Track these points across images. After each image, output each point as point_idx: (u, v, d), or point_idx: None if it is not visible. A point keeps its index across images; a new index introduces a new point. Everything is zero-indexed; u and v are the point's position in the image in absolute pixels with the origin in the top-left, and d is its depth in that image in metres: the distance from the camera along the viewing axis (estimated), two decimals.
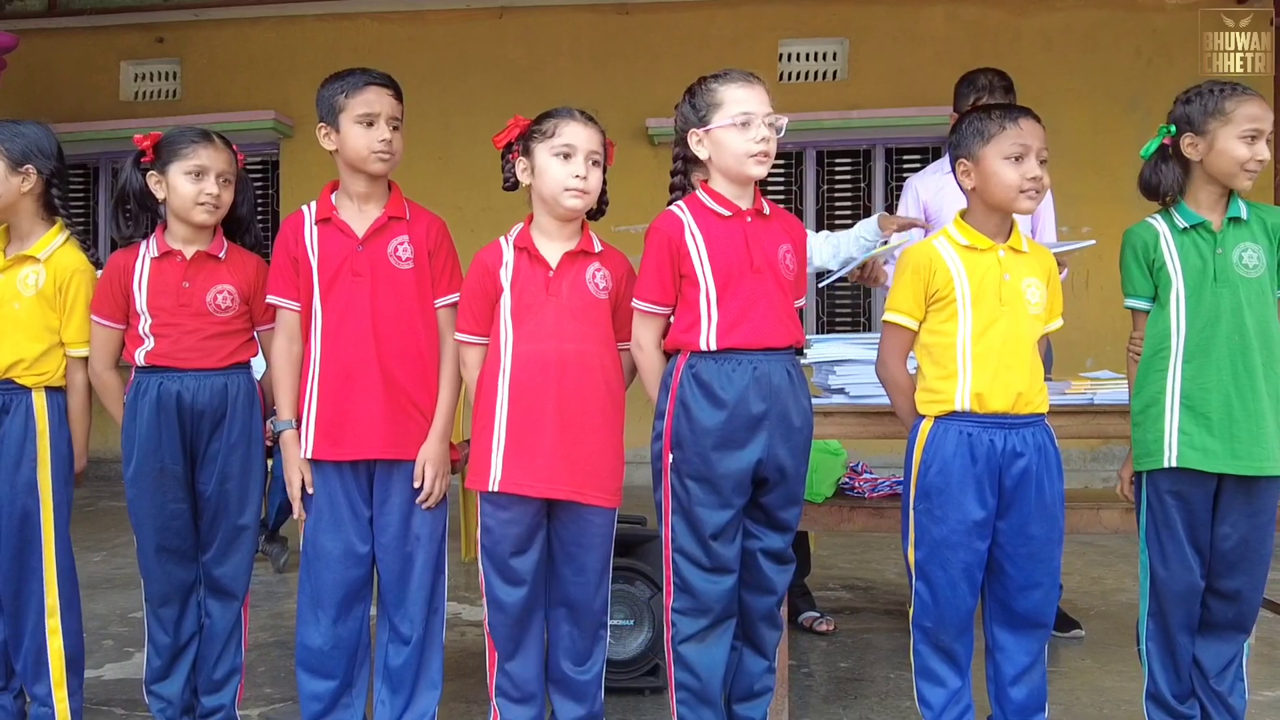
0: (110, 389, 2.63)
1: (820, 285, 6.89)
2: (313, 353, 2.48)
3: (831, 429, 2.82)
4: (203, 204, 2.52)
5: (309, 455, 2.47)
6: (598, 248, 2.45)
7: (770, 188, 7.98)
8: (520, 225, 2.46)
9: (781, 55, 7.85)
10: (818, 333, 7.41)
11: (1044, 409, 2.34)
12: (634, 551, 3.17)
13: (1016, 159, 2.29)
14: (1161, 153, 2.45)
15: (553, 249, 2.41)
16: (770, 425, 2.31)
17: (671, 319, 2.40)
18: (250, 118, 7.76)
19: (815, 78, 7.90)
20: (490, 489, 2.34)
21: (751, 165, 2.31)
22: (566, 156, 2.35)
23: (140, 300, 2.54)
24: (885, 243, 3.02)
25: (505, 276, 2.39)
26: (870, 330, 6.62)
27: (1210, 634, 2.44)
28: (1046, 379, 2.41)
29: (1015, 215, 2.38)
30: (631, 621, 3.02)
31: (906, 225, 3.05)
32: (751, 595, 2.40)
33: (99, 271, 2.65)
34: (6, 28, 7.14)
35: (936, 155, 4.39)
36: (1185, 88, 2.45)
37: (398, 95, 2.49)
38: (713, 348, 2.30)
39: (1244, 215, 2.40)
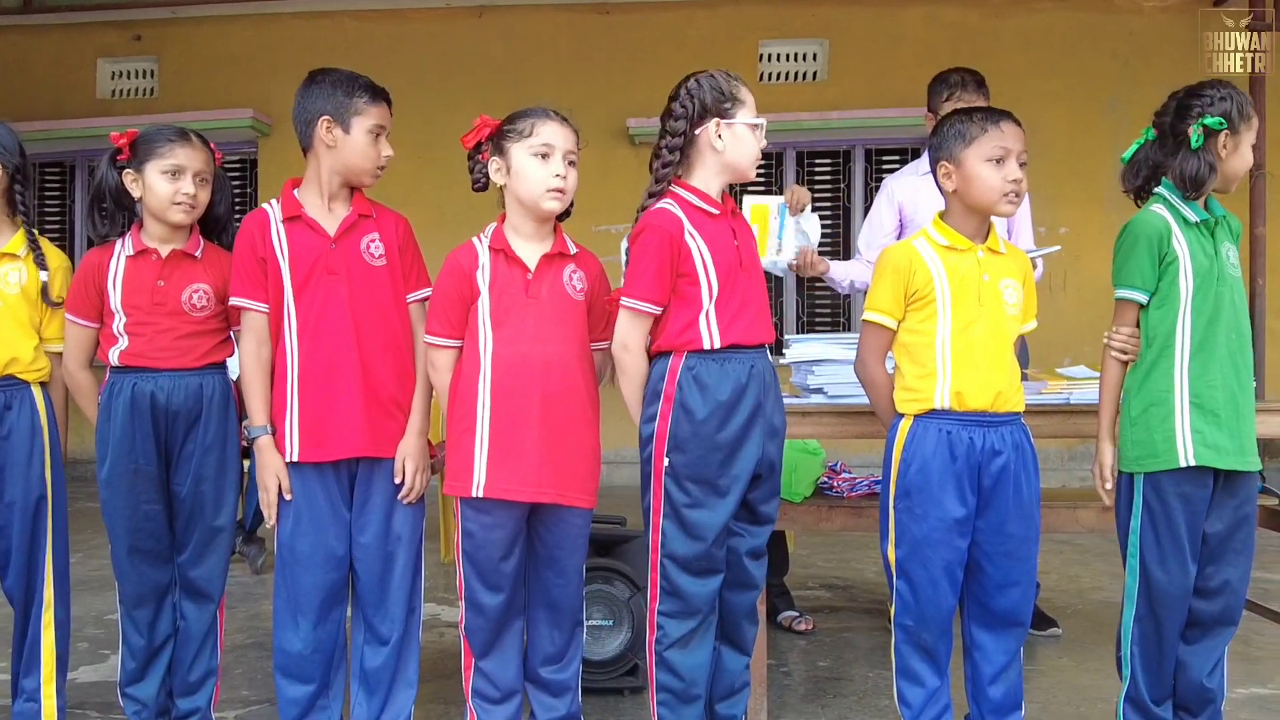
0: (84, 388, 2.61)
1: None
2: (289, 354, 2.44)
3: (810, 428, 2.82)
4: (179, 204, 2.49)
5: (294, 459, 2.43)
6: (572, 249, 2.43)
7: (751, 189, 7.99)
8: (493, 226, 2.42)
9: (762, 56, 7.87)
10: (798, 332, 7.43)
11: (1021, 408, 2.35)
12: (613, 551, 3.17)
13: (998, 161, 2.30)
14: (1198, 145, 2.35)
15: (529, 250, 2.38)
16: (763, 422, 2.31)
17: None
18: (228, 116, 7.72)
19: (795, 78, 7.93)
20: (474, 494, 2.31)
21: (754, 168, 2.36)
22: (545, 156, 2.33)
23: (115, 299, 2.52)
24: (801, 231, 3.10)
25: (482, 279, 2.36)
26: (850, 330, 6.64)
27: (1199, 634, 2.43)
28: (1022, 378, 2.42)
29: (993, 217, 2.39)
30: (611, 622, 3.02)
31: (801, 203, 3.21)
32: (734, 593, 2.40)
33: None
34: None
35: (915, 156, 4.41)
36: (1167, 90, 2.45)
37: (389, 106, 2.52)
38: (717, 345, 2.28)
39: (1222, 215, 2.44)
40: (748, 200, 3.26)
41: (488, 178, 2.41)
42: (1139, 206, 2.48)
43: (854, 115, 7.57)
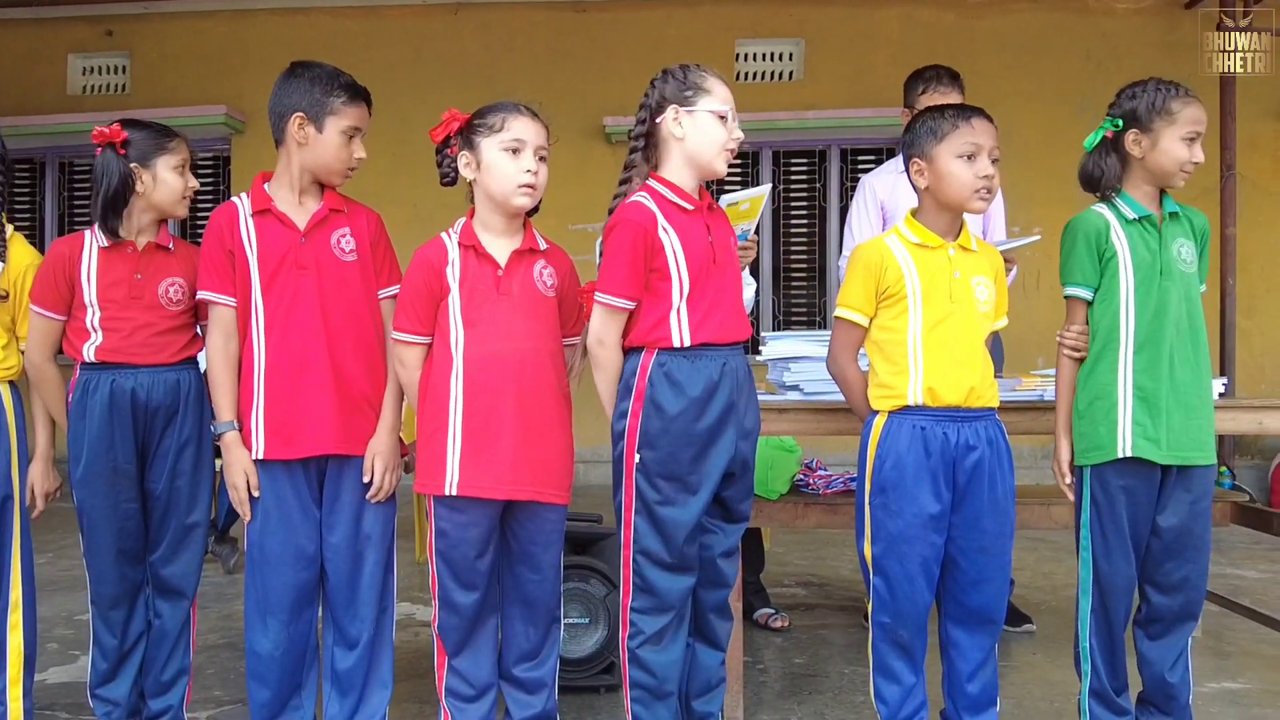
0: (50, 382, 2.57)
1: None
2: (256, 349, 2.41)
3: (786, 425, 2.82)
4: (187, 198, 2.54)
5: (260, 456, 2.41)
6: (542, 245, 2.42)
7: (726, 188, 8.00)
8: (462, 221, 2.40)
9: (738, 55, 7.88)
10: (774, 330, 7.45)
11: (995, 403, 2.36)
12: (590, 549, 3.17)
13: (969, 158, 2.31)
14: (1104, 146, 2.48)
15: (499, 246, 2.36)
16: (736, 420, 2.30)
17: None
18: (201, 112, 7.65)
19: (772, 78, 7.94)
20: (447, 493, 2.29)
21: (723, 159, 2.31)
22: (515, 152, 2.30)
23: (89, 292, 2.49)
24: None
25: (452, 275, 2.33)
26: (826, 328, 6.66)
27: (1161, 629, 2.46)
28: (997, 376, 2.43)
29: (966, 215, 2.40)
30: (587, 620, 3.01)
31: None
32: (706, 590, 2.39)
33: None
34: None
35: (891, 155, 4.42)
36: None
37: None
38: (687, 343, 2.27)
39: (1178, 211, 2.46)
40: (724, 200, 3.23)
41: (456, 172, 2.38)
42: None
43: (830, 115, 7.59)
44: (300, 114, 2.39)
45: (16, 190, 8.09)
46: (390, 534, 2.52)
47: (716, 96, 2.29)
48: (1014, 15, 7.59)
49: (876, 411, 2.37)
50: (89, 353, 2.49)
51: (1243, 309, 6.64)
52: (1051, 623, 3.80)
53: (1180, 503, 2.40)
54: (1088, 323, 2.47)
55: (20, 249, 2.59)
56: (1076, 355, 2.47)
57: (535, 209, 2.42)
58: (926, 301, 2.32)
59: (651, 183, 2.33)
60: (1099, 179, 2.47)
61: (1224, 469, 4.08)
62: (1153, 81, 2.43)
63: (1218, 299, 6.26)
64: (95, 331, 2.49)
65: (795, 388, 2.84)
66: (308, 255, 2.42)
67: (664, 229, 2.27)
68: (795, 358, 2.87)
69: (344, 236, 2.46)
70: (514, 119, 2.31)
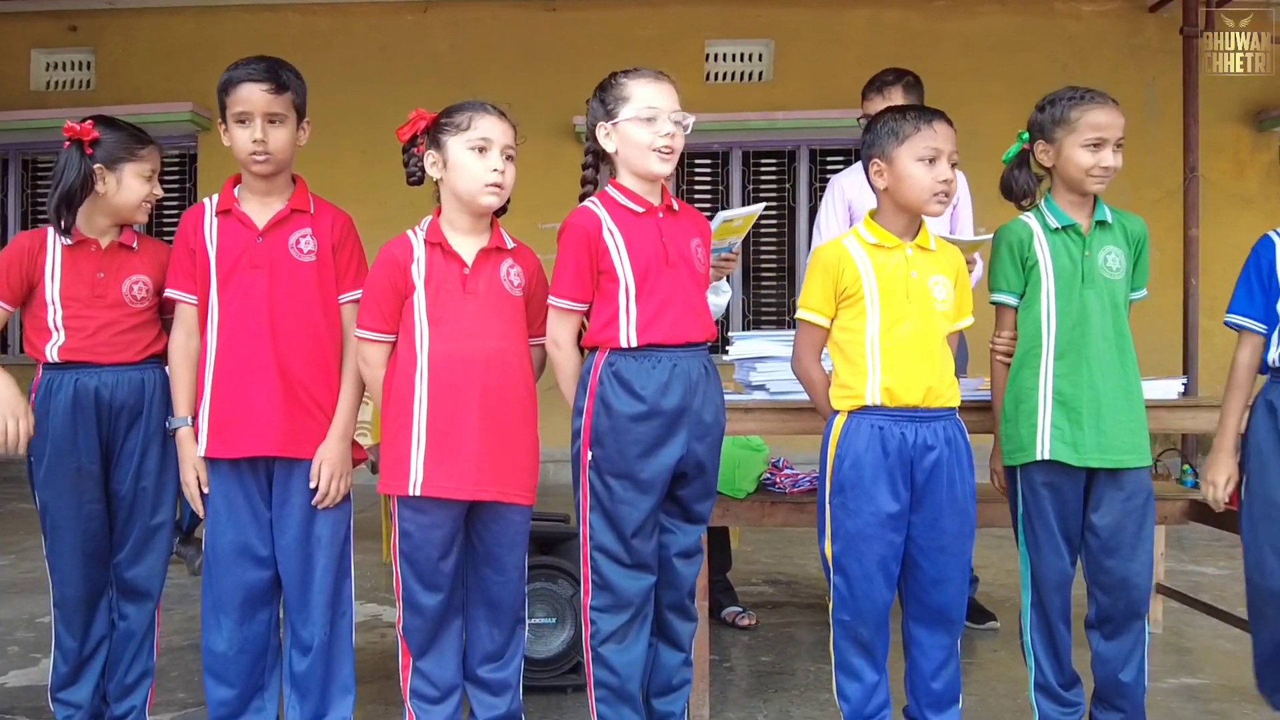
0: None
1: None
2: (208, 347, 2.42)
3: (752, 425, 2.84)
4: (148, 204, 2.52)
5: (203, 454, 2.41)
6: (509, 243, 2.42)
7: (696, 188, 8.02)
8: (429, 219, 2.40)
9: (708, 55, 7.90)
10: (742, 330, 7.47)
11: (955, 403, 2.38)
12: (556, 549, 3.17)
13: (930, 161, 2.32)
14: (1021, 158, 2.55)
15: (466, 245, 2.36)
16: (689, 421, 2.32)
17: (586, 317, 2.38)
18: (167, 109, 7.59)
19: (741, 79, 7.96)
20: (411, 493, 2.28)
21: (654, 160, 2.31)
22: (482, 150, 2.30)
23: (51, 290, 2.46)
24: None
25: (418, 273, 2.33)
26: (793, 328, 6.69)
27: (1111, 629, 2.49)
28: (960, 375, 2.46)
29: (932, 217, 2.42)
30: (554, 620, 3.02)
31: None
32: (662, 590, 2.41)
33: None
34: None
35: (860, 156, 4.47)
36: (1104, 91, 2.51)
37: (277, 89, 2.37)
38: (633, 344, 2.29)
39: (1109, 219, 2.49)
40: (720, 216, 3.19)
41: (423, 171, 2.38)
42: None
43: (799, 116, 7.63)
44: (221, 122, 2.42)
45: None
46: (343, 538, 2.49)
47: (637, 101, 2.30)
48: (980, 17, 7.66)
49: (837, 411, 2.39)
50: (51, 352, 2.47)
51: (1205, 309, 6.70)
52: (1015, 620, 3.82)
53: (1113, 501, 2.44)
54: (1017, 328, 2.53)
55: None
56: (1007, 360, 2.54)
57: (504, 208, 2.42)
58: (884, 302, 2.34)
59: (607, 188, 2.38)
60: (1013, 191, 2.55)
61: (1186, 467, 4.12)
62: (1065, 91, 2.49)
63: (1181, 299, 6.33)
64: (58, 331, 2.46)
65: (762, 387, 2.86)
66: (262, 254, 2.41)
67: (609, 231, 2.30)
68: (761, 357, 2.89)
69: (304, 237, 2.45)
70: (481, 118, 2.31)
